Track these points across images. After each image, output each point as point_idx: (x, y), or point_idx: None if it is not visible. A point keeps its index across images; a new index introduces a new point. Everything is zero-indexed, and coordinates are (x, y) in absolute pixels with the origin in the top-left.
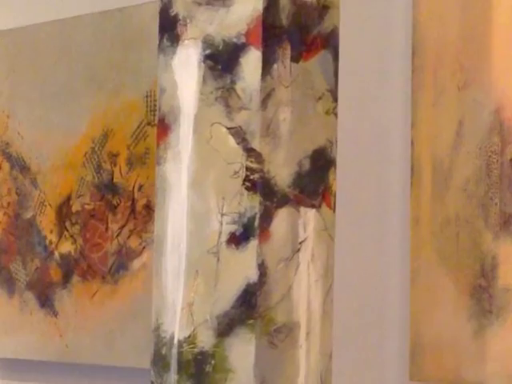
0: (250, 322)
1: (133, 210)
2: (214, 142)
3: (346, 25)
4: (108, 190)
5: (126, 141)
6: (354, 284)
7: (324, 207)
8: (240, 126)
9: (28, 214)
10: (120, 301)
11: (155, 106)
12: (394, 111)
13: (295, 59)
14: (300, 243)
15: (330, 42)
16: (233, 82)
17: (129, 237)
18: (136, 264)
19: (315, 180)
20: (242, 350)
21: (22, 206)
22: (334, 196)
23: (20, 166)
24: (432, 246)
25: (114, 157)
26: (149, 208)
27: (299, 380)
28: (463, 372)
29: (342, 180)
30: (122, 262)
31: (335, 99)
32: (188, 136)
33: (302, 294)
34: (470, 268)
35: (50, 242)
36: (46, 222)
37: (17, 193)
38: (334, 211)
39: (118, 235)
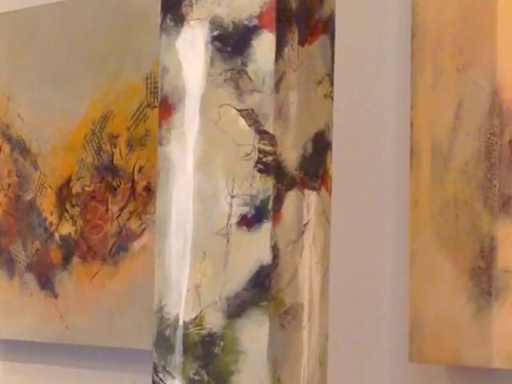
0: (264, 303)
1: (133, 192)
2: (222, 123)
3: (345, 7)
4: (108, 171)
5: (126, 123)
6: (353, 266)
7: (323, 190)
8: (252, 109)
9: (28, 196)
10: (120, 282)
11: (155, 88)
12: (393, 93)
13: (301, 43)
14: (304, 225)
15: (329, 26)
16: (244, 65)
17: (129, 218)
18: (136, 245)
19: (316, 163)
20: (255, 332)
21: (23, 187)
22: (331, 179)
23: (20, 148)
24: (431, 227)
25: (114, 139)
26: (149, 190)
27: (303, 361)
28: (462, 353)
29: (341, 162)
30: (122, 244)
31: (332, 83)
32: (194, 117)
33: (306, 276)
34: (469, 250)
35: (51, 224)
36: (47, 204)
37: (17, 175)
38: (331, 194)
39: (118, 217)
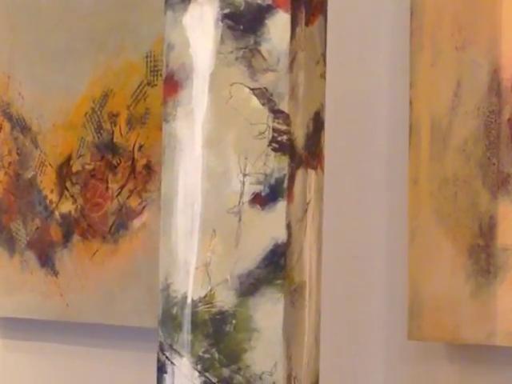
0: (278, 281)
1: (133, 170)
2: (234, 101)
3: None
4: (108, 150)
5: (126, 101)
6: (351, 245)
7: (319, 169)
8: (265, 88)
9: (29, 174)
10: (120, 260)
11: (155, 66)
12: (392, 72)
13: (306, 23)
14: (307, 204)
15: (324, 5)
16: (257, 44)
17: (129, 196)
18: (136, 223)
19: (315, 142)
20: (270, 310)
21: (23, 165)
22: (324, 158)
23: (21, 126)
24: (430, 206)
25: (114, 117)
26: (149, 168)
27: (305, 339)
28: (462, 331)
29: (339, 141)
30: (122, 222)
31: (325, 63)
32: (203, 95)
33: (307, 254)
34: (468, 228)
35: (51, 202)
36: (47, 182)
37: (17, 153)
38: (323, 173)
39: (118, 195)
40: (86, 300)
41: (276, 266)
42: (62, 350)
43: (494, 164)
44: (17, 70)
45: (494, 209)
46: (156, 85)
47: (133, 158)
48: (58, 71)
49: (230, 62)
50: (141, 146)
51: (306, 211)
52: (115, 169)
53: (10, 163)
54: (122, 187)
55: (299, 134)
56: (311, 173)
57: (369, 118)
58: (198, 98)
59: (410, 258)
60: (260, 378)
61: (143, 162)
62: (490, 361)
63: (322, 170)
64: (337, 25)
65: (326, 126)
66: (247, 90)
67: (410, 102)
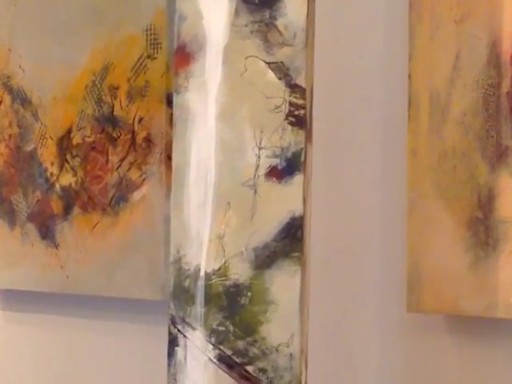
0: (296, 254)
1: (133, 143)
2: (249, 75)
3: None
4: (108, 122)
5: (126, 74)
6: (350, 218)
7: (311, 143)
8: (282, 62)
9: (29, 147)
10: (120, 232)
11: (155, 39)
12: (391, 45)
13: None
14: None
15: None
16: (273, 18)
17: (129, 169)
18: (136, 196)
19: (310, 116)
20: (287, 283)
21: (23, 138)
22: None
23: (21, 99)
24: (429, 178)
25: (114, 90)
26: (149, 141)
27: (305, 308)
28: (460, 303)
29: (338, 114)
30: (122, 194)
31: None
32: (216, 67)
33: (308, 225)
34: (467, 200)
35: (51, 175)
36: (47, 155)
37: (18, 125)
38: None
39: (118, 167)
40: (87, 272)
41: (293, 238)
42: (62, 322)
43: (492, 137)
44: (17, 43)
45: (493, 181)
46: (156, 58)
47: (133, 131)
48: (59, 44)
49: (244, 35)
50: (141, 119)
51: (308, 184)
52: (115, 141)
53: (10, 136)
54: (122, 160)
55: (307, 109)
56: (310, 146)
57: (368, 91)
58: (211, 70)
59: (409, 230)
60: (276, 349)
61: (143, 134)
62: (489, 333)
63: (311, 143)
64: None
65: (324, 99)
66: (263, 63)
67: (409, 75)
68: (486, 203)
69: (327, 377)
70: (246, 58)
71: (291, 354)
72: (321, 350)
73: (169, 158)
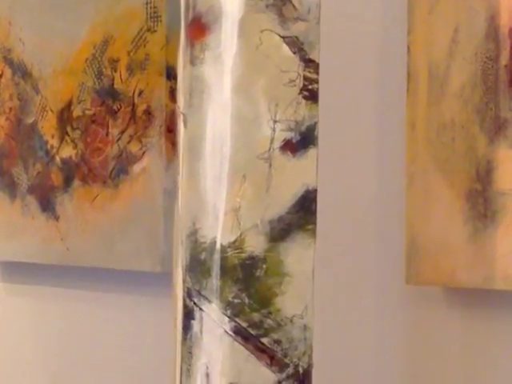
0: (310, 227)
1: (133, 116)
2: (264, 48)
3: None
4: (108, 95)
5: (127, 47)
6: (348, 191)
7: None
8: (296, 36)
9: (30, 120)
10: (120, 205)
11: (155, 13)
12: (390, 18)
13: None
14: None
15: None
16: None
17: (129, 142)
18: (136, 168)
19: None
20: (301, 255)
21: (24, 111)
22: None
23: (22, 71)
24: (428, 151)
25: (114, 63)
26: (149, 113)
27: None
28: (459, 275)
29: (336, 86)
30: (122, 167)
31: None
32: (232, 39)
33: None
34: (466, 173)
35: (52, 147)
36: (48, 127)
37: (18, 98)
38: None
39: (118, 140)
40: (87, 244)
41: (307, 211)
42: (62, 294)
43: (491, 109)
44: (18, 16)
45: (492, 154)
46: (156, 31)
47: (133, 104)
48: (59, 17)
49: (260, 8)
50: (141, 92)
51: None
52: (115, 114)
53: (11, 109)
54: (122, 132)
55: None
56: None
57: (366, 63)
58: (226, 42)
59: (408, 202)
60: (291, 321)
61: (143, 107)
62: (487, 304)
63: None
64: None
65: (323, 71)
66: (278, 37)
67: (408, 49)
68: (484, 175)
69: (326, 349)
70: (262, 31)
71: (305, 326)
72: (319, 322)
73: (169, 130)
